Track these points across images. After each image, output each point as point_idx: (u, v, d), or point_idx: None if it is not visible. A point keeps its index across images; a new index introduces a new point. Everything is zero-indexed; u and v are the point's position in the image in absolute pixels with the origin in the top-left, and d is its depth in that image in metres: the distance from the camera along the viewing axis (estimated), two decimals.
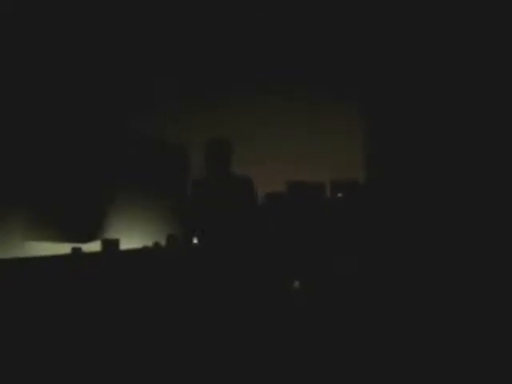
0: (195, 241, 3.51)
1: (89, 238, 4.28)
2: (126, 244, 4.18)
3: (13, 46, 3.97)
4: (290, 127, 4.98)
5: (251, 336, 3.29)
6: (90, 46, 4.36)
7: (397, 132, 4.54)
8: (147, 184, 4.68)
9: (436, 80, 4.38)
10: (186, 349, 3.32)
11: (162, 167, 4.81)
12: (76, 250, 3.89)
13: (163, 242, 4.24)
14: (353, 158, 4.84)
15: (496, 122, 4.15)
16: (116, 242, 4.10)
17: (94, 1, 4.28)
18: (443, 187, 4.24)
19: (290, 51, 4.75)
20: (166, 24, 4.55)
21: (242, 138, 3.89)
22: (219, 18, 4.56)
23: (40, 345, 3.19)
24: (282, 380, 3.12)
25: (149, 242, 4.30)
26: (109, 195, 4.46)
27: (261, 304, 3.50)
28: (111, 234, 4.40)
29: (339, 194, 4.70)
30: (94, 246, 4.10)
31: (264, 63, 4.74)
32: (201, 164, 3.44)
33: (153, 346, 3.40)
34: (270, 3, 4.44)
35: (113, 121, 4.54)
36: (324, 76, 4.79)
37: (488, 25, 4.14)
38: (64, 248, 3.94)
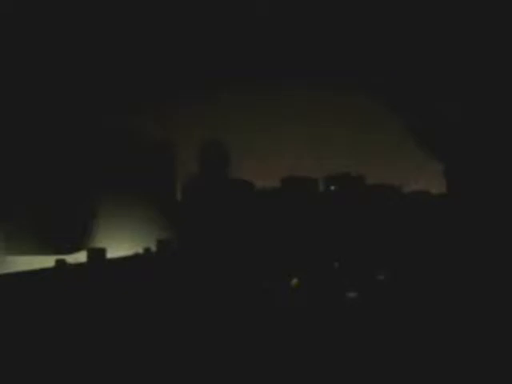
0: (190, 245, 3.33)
1: (73, 249, 4.09)
2: (115, 252, 3.98)
3: (11, 46, 3.85)
4: (289, 126, 4.93)
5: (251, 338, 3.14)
6: (88, 47, 4.27)
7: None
8: (132, 188, 4.49)
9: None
10: (182, 354, 3.15)
11: (146, 168, 4.62)
12: (60, 262, 3.72)
13: (154, 248, 4.06)
14: (355, 154, 4.81)
15: None
16: (102, 251, 3.94)
17: (93, 1, 4.21)
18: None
19: (290, 51, 4.71)
20: (165, 24, 4.49)
21: (241, 138, 3.79)
22: (219, 18, 4.52)
23: (28, 362, 2.98)
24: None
25: (139, 249, 4.11)
26: (93, 202, 4.25)
27: (258, 304, 3.36)
28: (98, 243, 4.20)
29: (332, 188, 4.70)
30: (79, 257, 3.91)
31: (263, 63, 4.70)
32: (196, 165, 3.29)
33: (147, 356, 3.21)
34: (271, 3, 4.40)
35: (96, 124, 4.36)
36: (326, 74, 4.76)
37: None
38: (48, 261, 3.74)
